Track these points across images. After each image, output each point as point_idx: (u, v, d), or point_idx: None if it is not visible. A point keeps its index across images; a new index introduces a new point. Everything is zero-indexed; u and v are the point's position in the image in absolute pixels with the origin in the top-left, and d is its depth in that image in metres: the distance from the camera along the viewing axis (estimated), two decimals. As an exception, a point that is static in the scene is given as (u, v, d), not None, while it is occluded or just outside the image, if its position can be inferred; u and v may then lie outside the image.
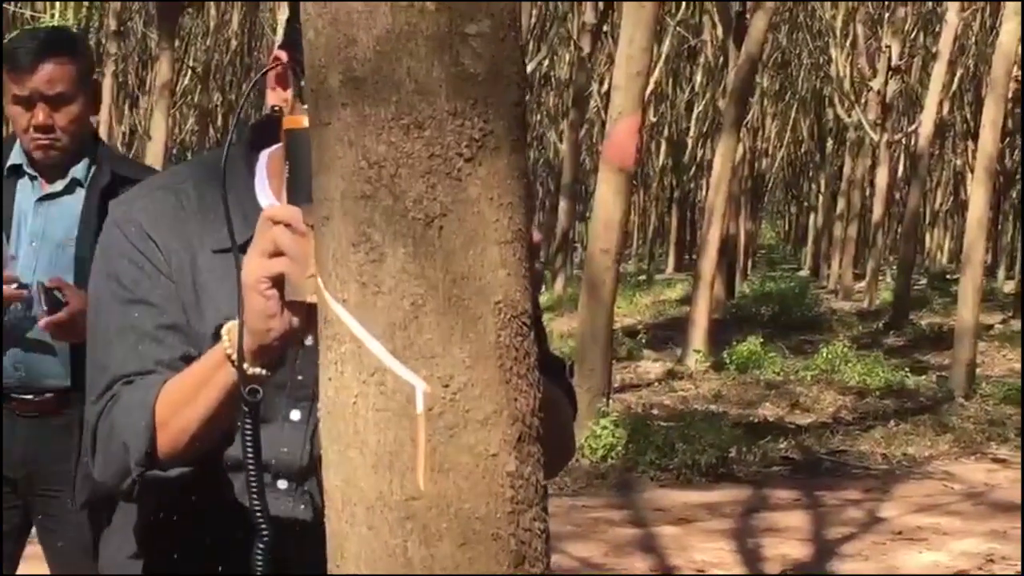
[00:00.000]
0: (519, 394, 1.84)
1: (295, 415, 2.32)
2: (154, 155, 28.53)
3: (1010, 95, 34.29)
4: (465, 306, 1.80)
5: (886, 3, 37.95)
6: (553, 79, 50.91)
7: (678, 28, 36.95)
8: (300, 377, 2.29)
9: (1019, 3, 18.62)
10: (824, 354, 20.75)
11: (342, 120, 1.80)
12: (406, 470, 1.79)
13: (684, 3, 36.98)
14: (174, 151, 48.55)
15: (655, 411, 16.19)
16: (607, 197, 13.61)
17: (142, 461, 2.23)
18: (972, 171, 21.06)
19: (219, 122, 49.75)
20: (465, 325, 1.80)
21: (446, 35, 1.77)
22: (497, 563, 1.83)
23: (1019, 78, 37.71)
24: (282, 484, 2.34)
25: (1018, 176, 46.93)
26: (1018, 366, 22.30)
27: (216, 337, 2.24)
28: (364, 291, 1.80)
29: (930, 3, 38.42)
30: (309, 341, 2.11)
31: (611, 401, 14.40)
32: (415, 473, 1.78)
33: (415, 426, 1.78)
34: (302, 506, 2.35)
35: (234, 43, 46.12)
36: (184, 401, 2.19)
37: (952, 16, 28.63)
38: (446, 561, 1.81)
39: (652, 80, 32.84)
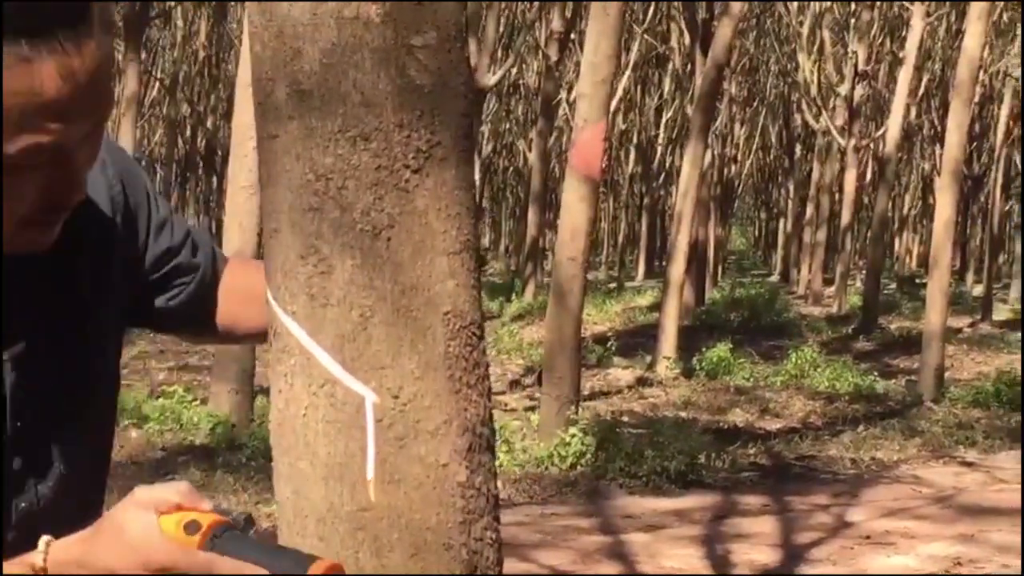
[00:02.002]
0: (469, 404, 1.85)
1: (17, 463, 1.96)
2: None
3: (976, 99, 34.46)
4: (414, 317, 1.81)
5: (852, 8, 38.07)
6: (521, 87, 50.93)
7: (645, 35, 36.98)
8: (19, 424, 1.94)
9: (983, 6, 18.71)
10: (793, 359, 20.81)
11: (289, 133, 1.80)
12: (356, 481, 1.79)
13: (651, 10, 36.99)
14: (143, 163, 48.45)
15: (625, 418, 16.19)
16: (574, 205, 13.62)
17: None
18: (940, 175, 21.13)
19: (187, 133, 49.66)
20: (414, 336, 1.80)
21: (392, 47, 1.77)
22: (449, 572, 1.83)
23: (985, 82, 37.93)
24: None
25: (986, 180, 47.10)
26: (986, 369, 22.40)
27: None
28: (313, 303, 1.80)
29: (895, 8, 38.52)
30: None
31: (580, 409, 14.40)
32: (365, 484, 1.78)
33: (364, 437, 1.78)
34: None
35: (202, 54, 46.03)
36: None
37: (917, 21, 28.75)
38: (398, 571, 1.81)
39: (620, 88, 32.95)
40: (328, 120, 1.78)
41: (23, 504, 1.95)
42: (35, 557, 1.75)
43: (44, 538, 1.75)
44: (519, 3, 39.83)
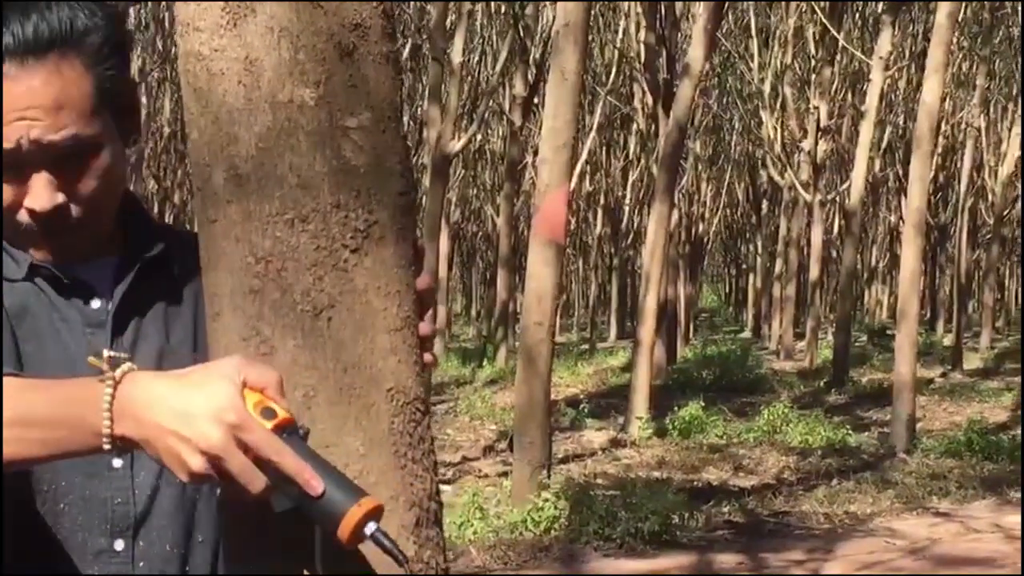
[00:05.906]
0: (415, 479, 1.86)
1: (117, 463, 2.08)
2: (89, 244, 28.40)
3: (939, 150, 34.66)
4: (357, 395, 1.82)
5: (812, 64, 38.30)
6: (487, 152, 51.06)
7: (609, 97, 37.13)
8: None
9: (940, 58, 18.87)
10: (766, 415, 20.81)
11: (228, 217, 1.82)
12: (305, 562, 1.80)
13: (614, 72, 37.16)
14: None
15: (598, 480, 16.16)
16: (539, 270, 13.65)
17: None
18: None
19: (155, 209, 49.63)
20: (358, 413, 1.82)
21: (327, 129, 1.80)
22: (400, 648, 1.84)
23: (947, 133, 38.15)
24: (119, 545, 2.10)
25: (952, 229, 47.33)
26: (958, 419, 22.44)
27: None
28: (256, 384, 1.81)
29: (856, 62, 38.78)
30: None
31: (554, 472, 14.39)
32: (314, 563, 1.79)
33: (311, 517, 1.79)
34: (142, 563, 2.12)
35: (167, 130, 46.04)
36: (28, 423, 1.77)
37: (877, 75, 28.92)
38: (348, 648, 1.82)
39: (586, 149, 33.06)
40: (266, 203, 1.80)
41: (118, 500, 2.10)
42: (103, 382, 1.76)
43: (126, 365, 1.78)
44: (482, 69, 40.03)
